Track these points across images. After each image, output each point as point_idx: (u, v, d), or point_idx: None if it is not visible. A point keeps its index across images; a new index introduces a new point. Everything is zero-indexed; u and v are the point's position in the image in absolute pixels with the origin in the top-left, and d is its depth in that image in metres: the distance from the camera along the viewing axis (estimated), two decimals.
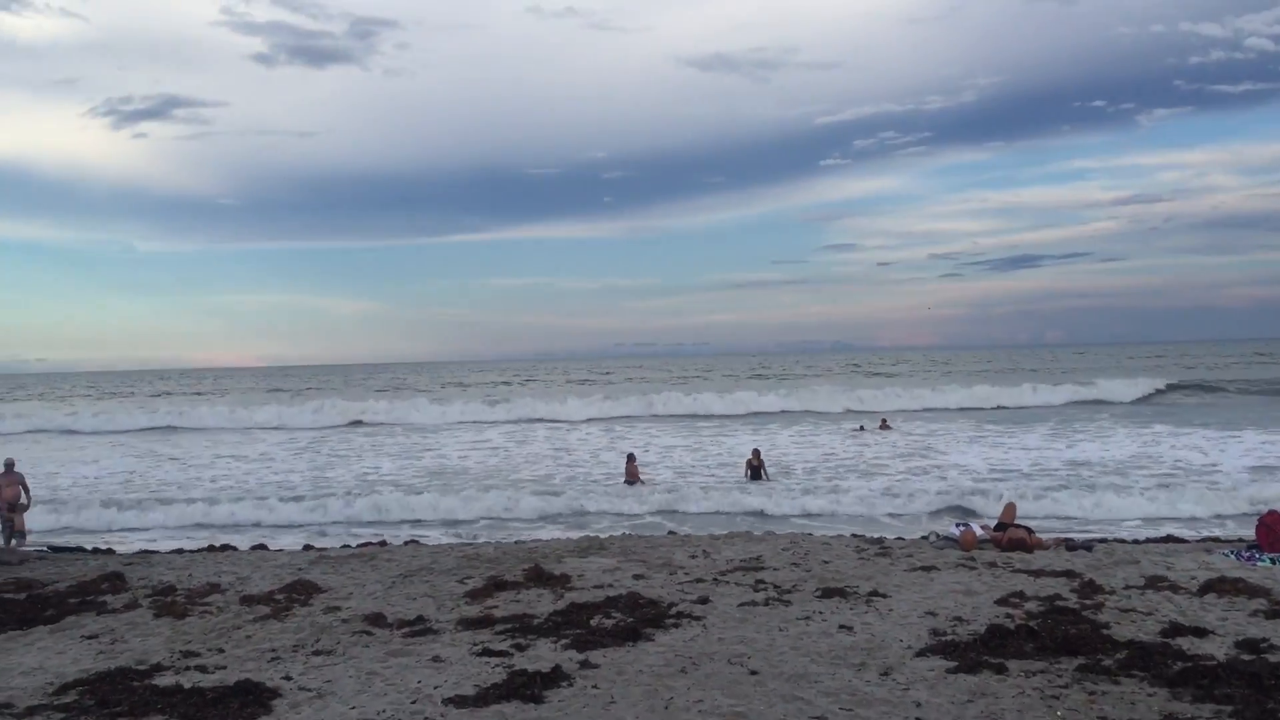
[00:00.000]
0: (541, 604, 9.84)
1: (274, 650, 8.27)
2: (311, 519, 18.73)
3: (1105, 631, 8.27)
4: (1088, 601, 9.39)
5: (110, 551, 15.57)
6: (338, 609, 9.82)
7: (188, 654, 8.20)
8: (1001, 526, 12.92)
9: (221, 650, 8.31)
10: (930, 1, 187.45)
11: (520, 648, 8.12)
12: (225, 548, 15.38)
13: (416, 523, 18.40)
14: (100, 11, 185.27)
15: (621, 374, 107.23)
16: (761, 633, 8.52)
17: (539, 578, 11.02)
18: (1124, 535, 14.92)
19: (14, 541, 16.88)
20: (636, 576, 11.09)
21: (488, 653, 7.95)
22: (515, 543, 14.31)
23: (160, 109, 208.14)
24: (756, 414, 42.60)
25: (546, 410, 43.81)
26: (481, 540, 15.47)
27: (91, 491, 23.91)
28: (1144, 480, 21.01)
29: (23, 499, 17.44)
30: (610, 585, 10.65)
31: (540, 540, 14.66)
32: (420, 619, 9.23)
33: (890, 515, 18.02)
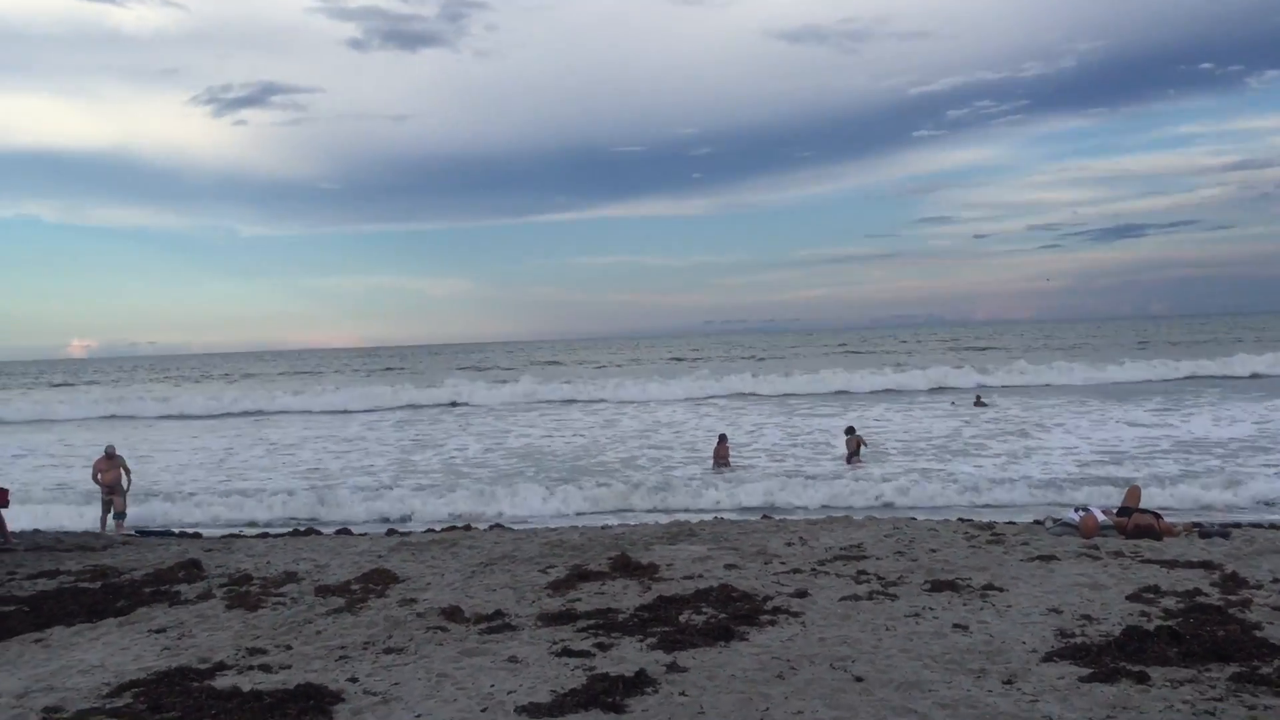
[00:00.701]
0: (627, 596, 9.22)
1: (343, 648, 7.79)
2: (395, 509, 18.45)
3: (1258, 633, 7.32)
4: (1233, 598, 8.41)
5: (196, 536, 15.45)
6: (414, 601, 9.33)
7: (254, 651, 7.76)
8: (1126, 511, 11.90)
9: (289, 647, 7.86)
10: None
11: (603, 647, 7.50)
12: (310, 532, 15.14)
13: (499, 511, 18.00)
14: (200, 2, 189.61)
15: (711, 352, 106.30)
16: (866, 632, 7.76)
17: (625, 567, 10.41)
18: (1258, 519, 13.73)
19: (113, 522, 17.44)
20: (729, 566, 10.40)
21: (568, 653, 7.34)
22: (602, 528, 13.73)
23: (259, 96, 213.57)
24: (842, 392, 41.29)
25: (635, 390, 43.14)
26: (568, 525, 14.93)
27: (184, 477, 24.09)
28: (1265, 461, 19.55)
29: (123, 482, 17.99)
30: (701, 576, 9.98)
31: (628, 525, 14.07)
32: (499, 613, 8.68)
33: (995, 500, 16.98)
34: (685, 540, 12.07)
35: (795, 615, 8.33)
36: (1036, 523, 13.13)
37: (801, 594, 9.07)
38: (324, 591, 9.90)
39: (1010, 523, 13.49)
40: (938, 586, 9.17)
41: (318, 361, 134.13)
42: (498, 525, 14.77)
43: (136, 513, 18.27)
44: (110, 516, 17.55)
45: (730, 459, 22.07)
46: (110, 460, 18.16)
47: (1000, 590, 8.98)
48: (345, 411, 41.81)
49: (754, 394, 42.32)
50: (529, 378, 52.28)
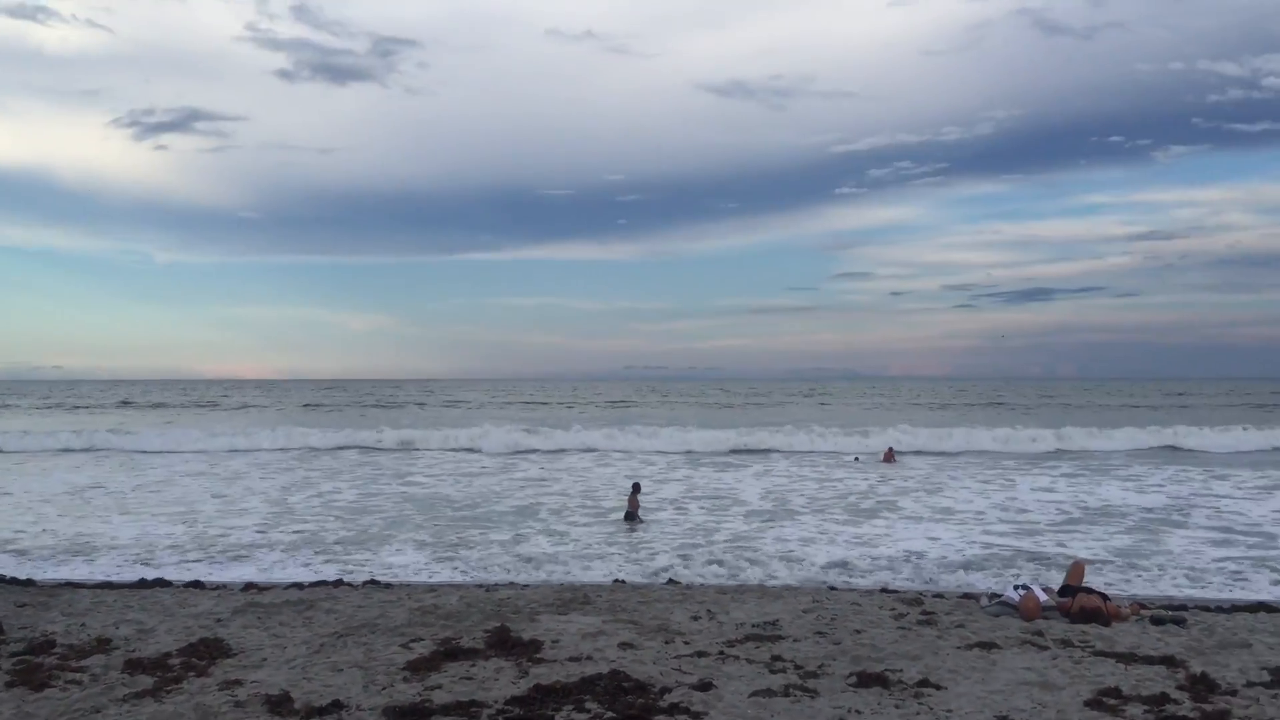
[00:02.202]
0: (498, 684, 7.70)
1: None
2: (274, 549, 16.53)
3: None
4: (1207, 708, 7.20)
5: (29, 583, 13.47)
6: (238, 684, 7.69)
7: None
8: (1069, 590, 10.72)
9: None
10: (948, 34, 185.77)
11: None
12: (158, 583, 13.25)
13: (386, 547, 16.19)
14: (126, 24, 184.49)
15: (622, 396, 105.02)
16: None
17: (503, 644, 8.89)
18: (1204, 599, 12.66)
19: None
20: (624, 645, 8.93)
21: None
22: (486, 590, 12.13)
23: (182, 121, 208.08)
24: (748, 450, 39.59)
25: (539, 439, 41.15)
26: (449, 583, 13.24)
27: (41, 513, 21.86)
28: (1187, 531, 18.69)
29: None
30: (590, 657, 8.50)
31: (517, 587, 12.49)
32: (335, 704, 7.10)
33: (912, 566, 15.74)
34: (578, 609, 10.58)
35: (696, 717, 6.90)
36: (969, 597, 11.92)
37: (705, 686, 7.65)
38: (134, 667, 8.20)
39: (939, 596, 12.25)
40: (865, 680, 7.82)
41: (224, 392, 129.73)
42: (371, 582, 13.07)
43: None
44: None
45: (639, 512, 20.59)
46: None
47: (937, 688, 7.66)
48: (234, 451, 39.18)
49: (680, 449, 40.78)
50: (428, 420, 49.95)
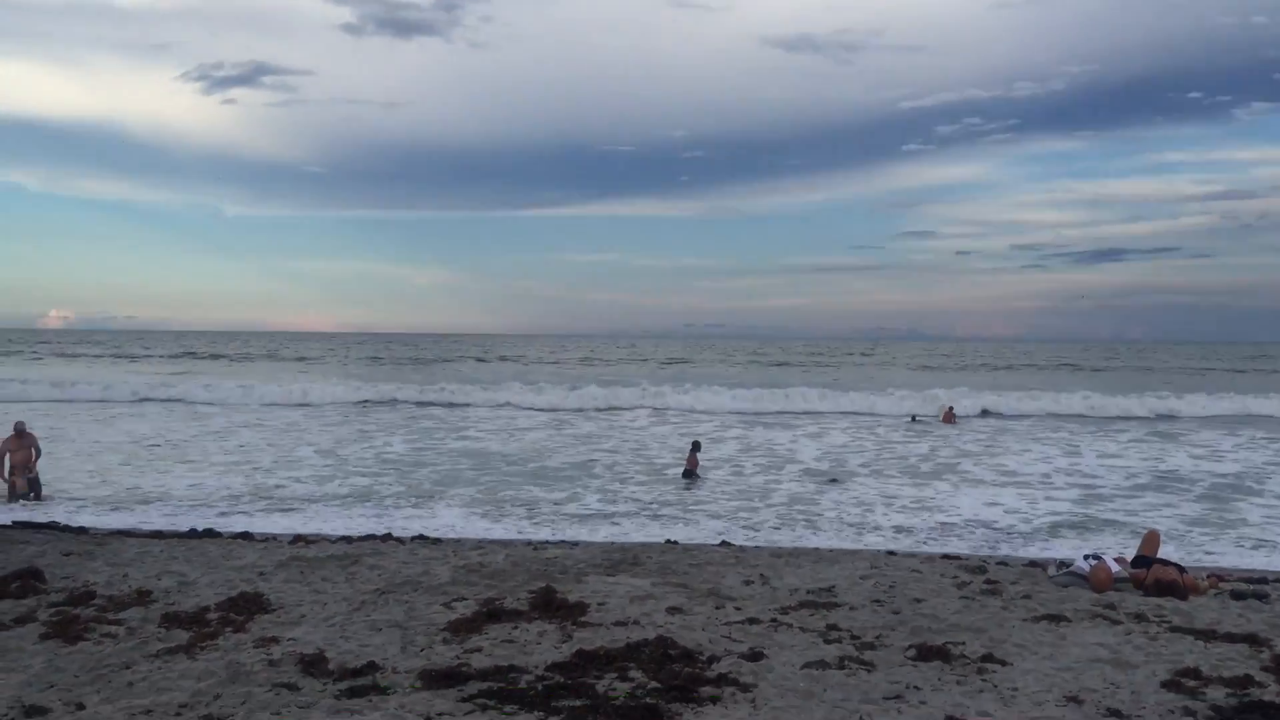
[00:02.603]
0: (541, 648, 7.41)
1: (149, 712, 5.95)
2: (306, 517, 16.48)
3: None
4: None
5: (81, 531, 13.49)
6: (275, 641, 7.49)
7: (31, 711, 5.91)
8: (1143, 561, 10.17)
9: (80, 707, 6.02)
10: None
11: None
12: (208, 534, 13.20)
13: (430, 512, 16.04)
14: None
15: (681, 354, 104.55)
16: None
17: (547, 605, 8.60)
18: (1266, 572, 12.01)
19: (20, 502, 16.45)
20: (672, 610, 8.60)
21: None
22: (534, 548, 11.88)
23: (250, 76, 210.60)
24: (806, 411, 38.89)
25: (601, 395, 40.82)
26: (498, 540, 13.00)
27: (101, 463, 22.11)
28: (1263, 500, 17.87)
29: (34, 462, 17.17)
30: (637, 622, 8.18)
31: (566, 546, 12.21)
32: (371, 666, 6.85)
33: (976, 532, 15.20)
34: (627, 571, 10.26)
35: (745, 689, 6.54)
36: (1035, 565, 11.41)
37: (756, 655, 7.28)
38: (171, 621, 8.05)
39: (1003, 563, 11.76)
40: (924, 653, 7.40)
41: (286, 344, 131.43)
42: (419, 537, 12.89)
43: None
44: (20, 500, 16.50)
45: (698, 471, 20.26)
46: (20, 439, 17.05)
47: (1002, 664, 7.22)
48: (292, 405, 39.38)
49: (734, 410, 40.31)
50: (479, 377, 49.84)
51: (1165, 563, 10.04)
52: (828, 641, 7.74)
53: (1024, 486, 19.22)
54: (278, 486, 18.14)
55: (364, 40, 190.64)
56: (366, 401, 39.11)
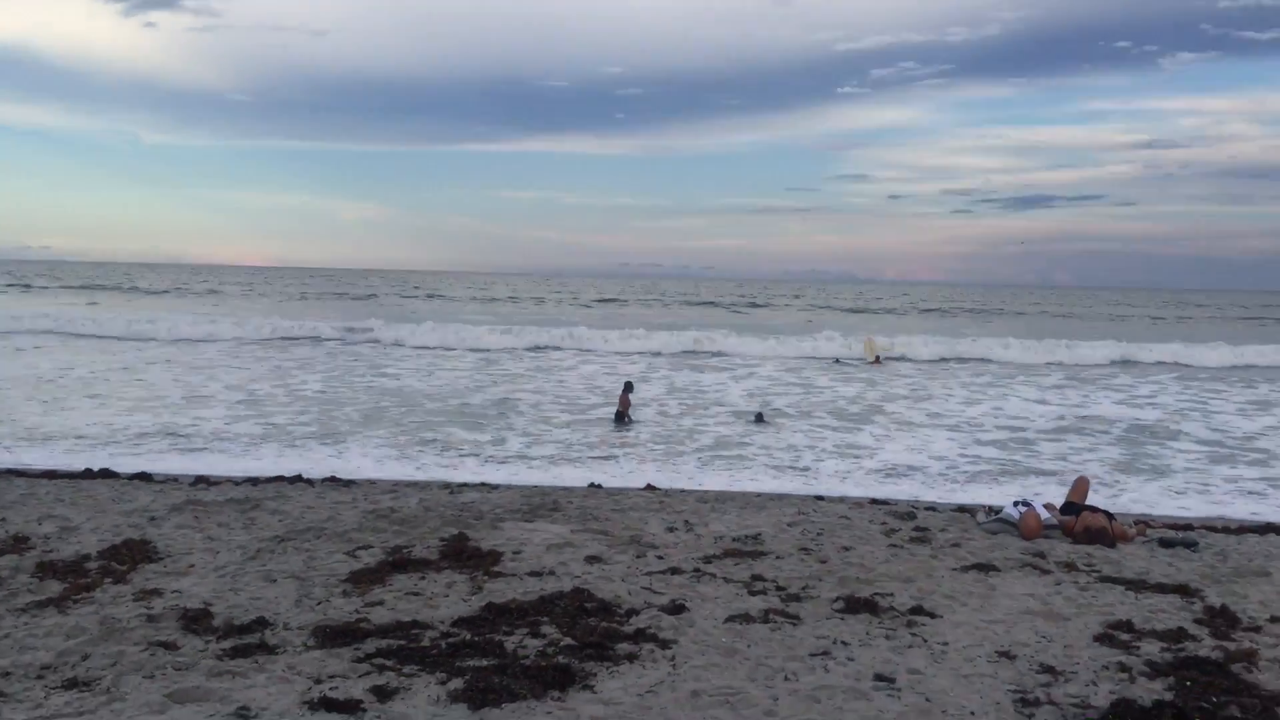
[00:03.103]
0: (449, 600, 6.95)
1: (7, 675, 5.38)
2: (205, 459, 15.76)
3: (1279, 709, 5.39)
4: (1228, 645, 6.47)
5: None
6: (157, 594, 6.92)
7: None
8: (1072, 508, 9.99)
9: None
10: None
11: (382, 694, 5.23)
12: (102, 474, 12.45)
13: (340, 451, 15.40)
14: None
15: (614, 293, 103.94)
16: (757, 681, 5.62)
17: (459, 554, 8.13)
18: (1208, 518, 11.97)
19: None
20: (591, 559, 8.18)
21: (325, 706, 5.05)
22: (450, 491, 11.37)
23: None
24: (732, 354, 38.66)
25: (528, 335, 40.07)
26: (413, 482, 12.44)
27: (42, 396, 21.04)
28: (1182, 446, 18.01)
29: None
30: (552, 572, 7.75)
31: (483, 490, 11.70)
32: (260, 622, 6.33)
33: (904, 476, 15.02)
34: (546, 517, 9.82)
35: (664, 645, 6.15)
36: (964, 511, 11.21)
37: (677, 609, 6.90)
38: (47, 570, 7.42)
39: (932, 509, 11.56)
40: (853, 605, 7.08)
41: (205, 277, 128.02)
42: (331, 479, 12.29)
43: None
44: None
45: (630, 413, 19.81)
46: None
47: (932, 616, 6.93)
48: (206, 341, 38.09)
49: (660, 351, 39.88)
50: (436, 315, 48.77)
51: (1094, 509, 9.86)
52: (752, 593, 7.39)
53: (952, 430, 19.14)
54: (186, 425, 17.32)
55: None
56: (284, 338, 37.97)
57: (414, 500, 10.44)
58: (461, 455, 15.35)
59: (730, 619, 6.73)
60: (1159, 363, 37.28)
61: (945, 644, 6.37)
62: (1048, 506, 10.13)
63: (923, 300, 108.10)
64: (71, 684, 5.27)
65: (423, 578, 7.50)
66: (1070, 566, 8.44)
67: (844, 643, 6.33)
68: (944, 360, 36.18)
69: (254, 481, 11.96)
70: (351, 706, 5.02)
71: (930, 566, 8.31)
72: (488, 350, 35.87)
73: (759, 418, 19.73)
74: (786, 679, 5.66)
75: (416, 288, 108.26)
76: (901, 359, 36.01)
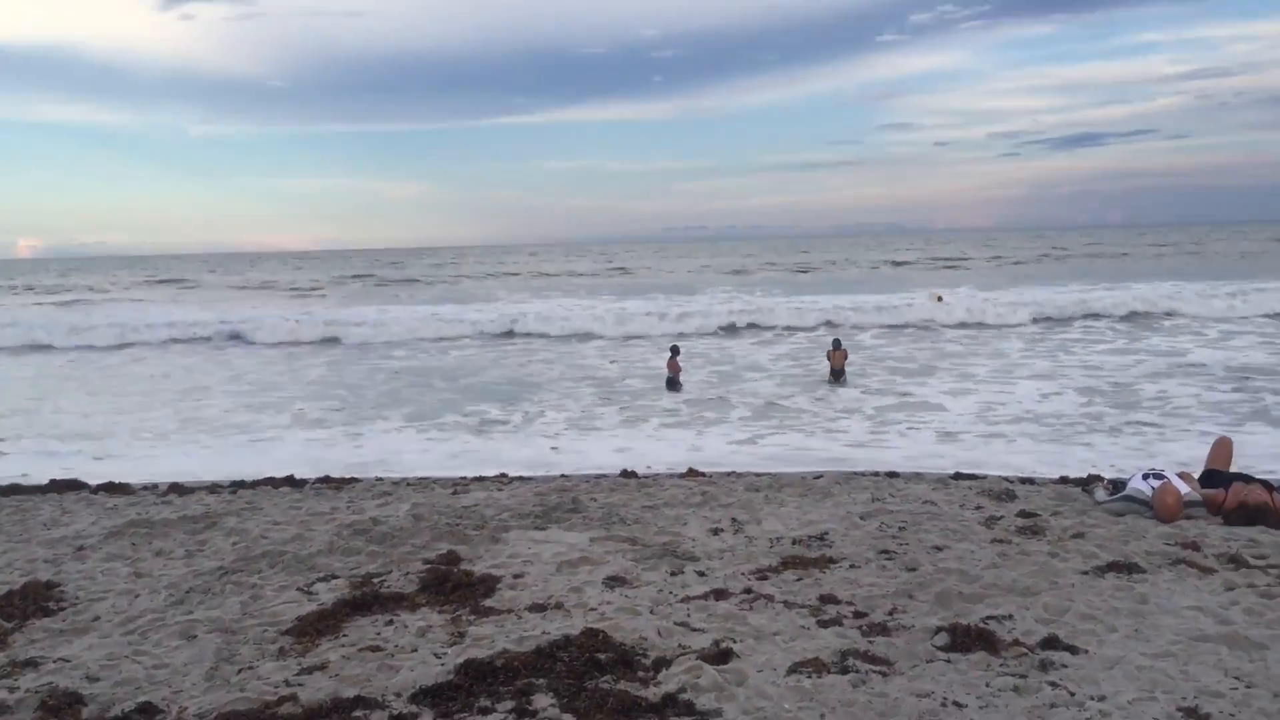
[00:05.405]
0: (416, 657, 5.18)
1: None
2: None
3: None
4: None
5: None
6: (32, 665, 5.22)
7: None
8: (1216, 478, 8.00)
9: None
10: None
11: None
12: (69, 484, 10.83)
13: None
14: None
15: (653, 262, 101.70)
16: None
17: (443, 583, 6.35)
18: None
19: None
20: (612, 581, 6.36)
21: None
22: (453, 490, 9.60)
23: None
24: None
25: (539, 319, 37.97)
26: (414, 479, 10.63)
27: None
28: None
29: None
30: (560, 604, 5.94)
31: (493, 486, 9.91)
32: (144, 711, 4.60)
33: (988, 440, 13.05)
34: (562, 520, 8.02)
35: (702, 718, 4.34)
36: (1067, 483, 9.26)
37: (723, 654, 5.07)
38: None
39: (1029, 481, 9.62)
40: (961, 638, 5.19)
41: (256, 265, 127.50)
42: (325, 478, 10.60)
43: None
44: None
45: (681, 378, 18.15)
46: None
47: (1073, 651, 5.03)
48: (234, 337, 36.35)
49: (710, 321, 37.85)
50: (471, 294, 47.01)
51: (1248, 479, 7.86)
52: (823, 623, 5.54)
53: (1036, 379, 17.10)
54: (185, 420, 15.81)
55: None
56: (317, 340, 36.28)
57: (405, 507, 8.66)
58: (486, 439, 13.67)
59: (795, 668, 4.89)
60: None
61: (1102, 699, 4.48)
62: (1183, 476, 8.13)
63: (974, 249, 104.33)
64: None
65: (390, 621, 5.75)
66: (1237, 562, 6.46)
67: (957, 704, 4.47)
68: (1007, 310, 33.77)
69: (235, 487, 10.29)
70: None
71: (1053, 570, 6.38)
72: (517, 333, 34.03)
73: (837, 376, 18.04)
74: None
75: (454, 263, 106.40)
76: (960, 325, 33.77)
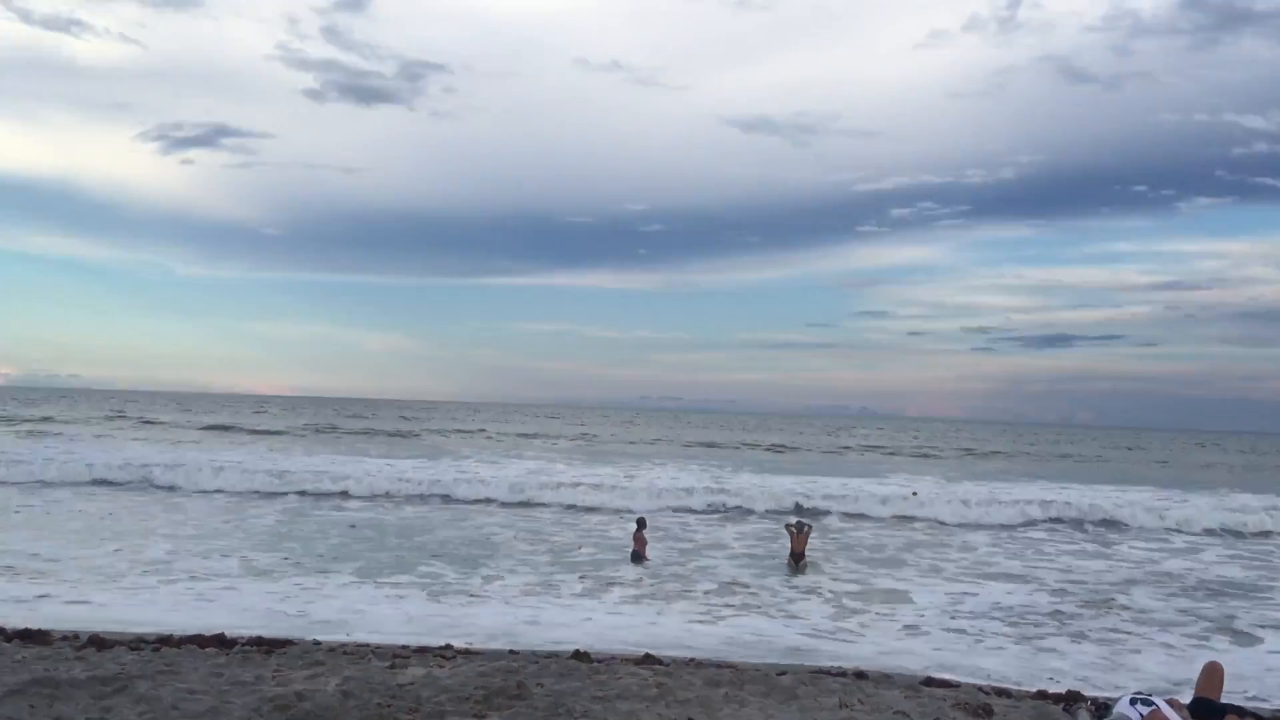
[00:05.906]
0: None
1: None
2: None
3: None
4: None
5: None
6: None
7: None
8: (1206, 707, 7.49)
9: None
10: (973, 77, 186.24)
11: None
12: None
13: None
14: (158, 39, 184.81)
15: (623, 431, 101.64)
16: None
17: None
18: None
19: None
20: None
21: None
22: (390, 664, 8.90)
23: (209, 137, 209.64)
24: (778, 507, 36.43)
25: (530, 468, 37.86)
26: (354, 644, 9.92)
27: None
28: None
29: None
30: None
31: (436, 661, 9.21)
32: None
33: (958, 632, 12.51)
34: (504, 709, 7.37)
35: None
36: (1059, 704, 8.70)
37: None
38: None
39: (1004, 694, 9.05)
40: None
41: (237, 406, 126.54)
42: (257, 640, 9.88)
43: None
44: None
45: (647, 551, 17.64)
46: None
47: None
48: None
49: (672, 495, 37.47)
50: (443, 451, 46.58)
51: (1241, 712, 7.36)
52: None
53: (1005, 578, 16.62)
54: (132, 563, 15.05)
55: (326, 106, 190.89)
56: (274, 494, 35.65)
57: (335, 681, 7.98)
58: (434, 606, 12.98)
59: None
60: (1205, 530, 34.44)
61: None
62: (1173, 703, 7.59)
63: (943, 440, 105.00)
64: None
65: None
66: None
67: None
68: (978, 504, 33.48)
69: (159, 644, 9.57)
70: None
71: None
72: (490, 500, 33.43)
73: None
74: None
75: (437, 420, 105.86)
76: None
